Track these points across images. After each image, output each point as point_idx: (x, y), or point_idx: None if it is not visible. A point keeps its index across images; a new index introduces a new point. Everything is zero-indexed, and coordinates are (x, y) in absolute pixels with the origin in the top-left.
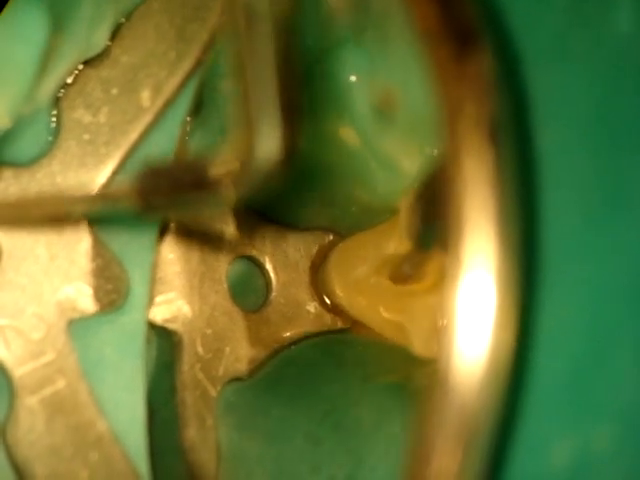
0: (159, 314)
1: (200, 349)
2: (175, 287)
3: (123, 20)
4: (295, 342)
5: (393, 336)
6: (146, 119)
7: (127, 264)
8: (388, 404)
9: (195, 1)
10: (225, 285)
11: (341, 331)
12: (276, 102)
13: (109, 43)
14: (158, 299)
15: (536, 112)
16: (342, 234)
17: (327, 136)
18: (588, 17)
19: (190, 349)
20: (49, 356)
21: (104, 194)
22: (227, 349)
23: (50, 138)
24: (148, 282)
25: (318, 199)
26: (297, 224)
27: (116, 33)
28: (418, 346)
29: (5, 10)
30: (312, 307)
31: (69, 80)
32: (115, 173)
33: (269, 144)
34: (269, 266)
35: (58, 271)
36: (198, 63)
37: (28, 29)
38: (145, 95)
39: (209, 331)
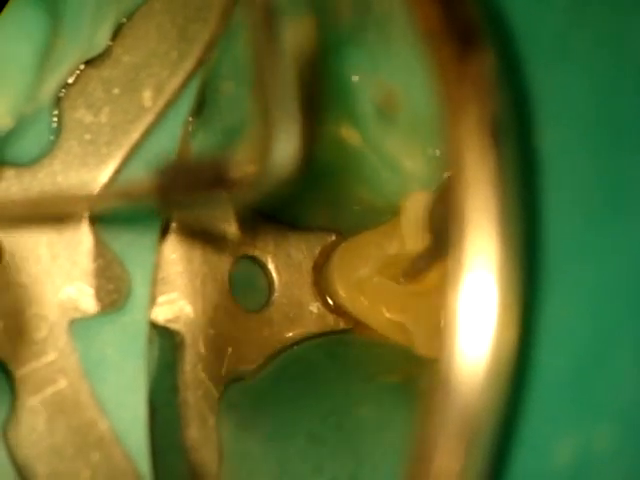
0: (161, 314)
1: (202, 349)
2: (177, 287)
3: (125, 20)
4: (297, 342)
5: (395, 336)
6: (148, 119)
7: (129, 264)
8: (390, 404)
9: (197, 1)
10: (227, 285)
11: (343, 331)
12: (295, 109)
13: (110, 43)
14: (160, 299)
15: (537, 112)
16: (344, 234)
17: (329, 136)
18: (589, 17)
19: (192, 349)
20: (51, 356)
21: (121, 190)
22: (229, 349)
23: (52, 138)
24: (150, 282)
25: (320, 199)
26: (300, 224)
27: (118, 33)
28: (420, 346)
29: (6, 10)
30: (314, 307)
31: (70, 80)
32: (117, 173)
33: (288, 148)
34: (271, 266)
35: (60, 271)
36: (200, 63)
37: (29, 29)
38: (147, 95)
39: (211, 331)
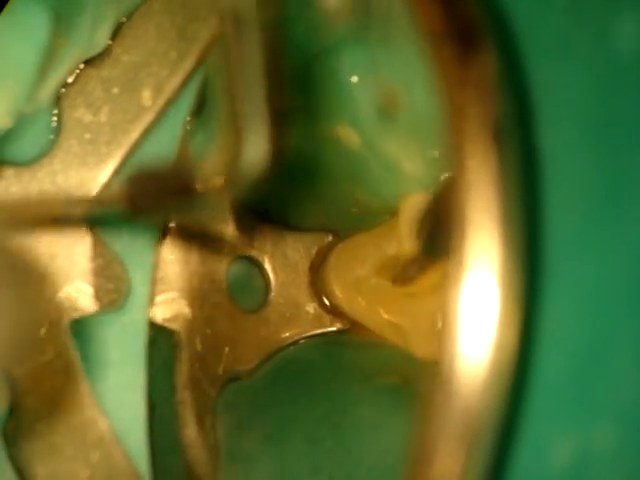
0: (159, 314)
1: (200, 349)
2: (175, 287)
3: (124, 19)
4: (294, 343)
5: (392, 337)
6: (147, 118)
7: (128, 264)
8: (387, 405)
9: (196, 1)
10: (225, 285)
11: (340, 332)
12: (264, 108)
13: (110, 42)
14: (158, 299)
15: (538, 112)
16: (341, 235)
17: (327, 137)
18: (589, 17)
19: (190, 349)
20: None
21: (96, 197)
22: (226, 349)
23: (51, 137)
24: (149, 282)
25: (318, 200)
26: (297, 225)
27: (117, 32)
28: (417, 348)
29: (6, 9)
30: (311, 308)
31: (70, 79)
32: (116, 172)
33: (256, 149)
34: (268, 266)
35: (59, 270)
36: (199, 62)
37: (29, 28)
38: (146, 94)
39: (208, 331)
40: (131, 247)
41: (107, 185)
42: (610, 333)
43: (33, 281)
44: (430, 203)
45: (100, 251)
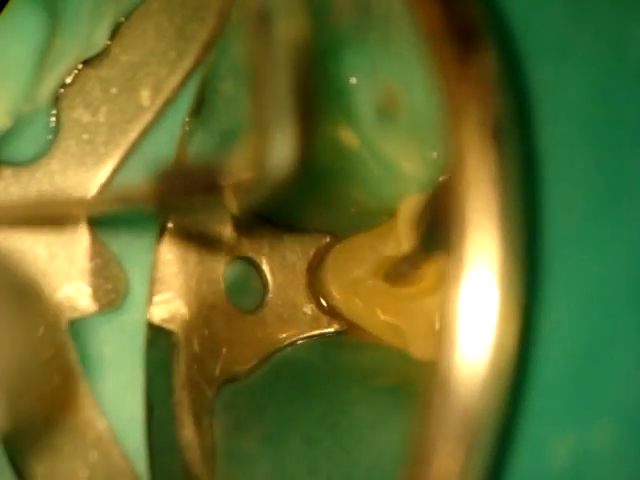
0: (157, 314)
1: (197, 349)
2: (173, 287)
3: (123, 19)
4: (291, 344)
5: (389, 339)
6: (146, 118)
7: (127, 264)
8: (384, 405)
9: (195, 0)
10: (222, 286)
11: (337, 333)
12: (291, 111)
13: (108, 42)
14: (156, 299)
15: (538, 112)
16: (339, 236)
17: (326, 138)
18: (588, 13)
19: (187, 349)
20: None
21: (118, 194)
22: (224, 350)
23: (49, 137)
24: (148, 282)
25: (316, 201)
26: (294, 226)
27: (116, 32)
28: (415, 349)
29: (4, 10)
30: (309, 309)
31: (68, 79)
32: (115, 172)
33: (282, 153)
34: (266, 267)
35: (58, 270)
36: (198, 62)
37: (27, 28)
38: (145, 94)
39: (206, 331)
40: (129, 247)
41: (106, 184)
42: (610, 333)
43: (32, 281)
44: (428, 201)
45: (98, 251)
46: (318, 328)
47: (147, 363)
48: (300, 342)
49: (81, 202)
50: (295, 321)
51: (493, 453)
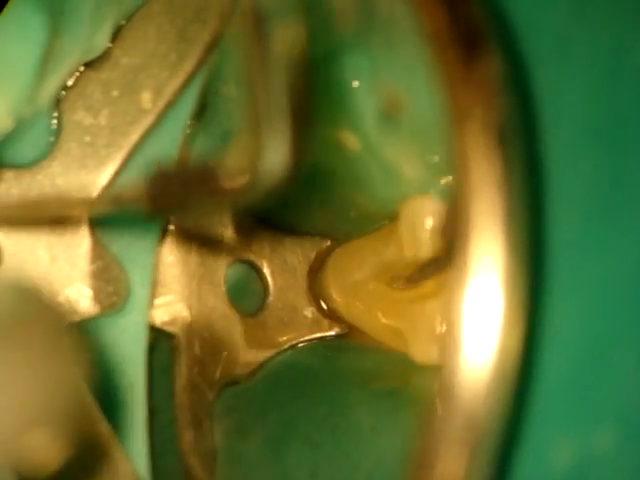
0: (158, 317)
1: (198, 352)
2: (174, 290)
3: (124, 22)
4: (292, 347)
5: (390, 342)
6: (147, 121)
7: (128, 266)
8: (385, 409)
9: (196, 3)
10: (223, 288)
11: (338, 336)
12: (285, 115)
13: (110, 45)
14: (157, 302)
15: (541, 114)
16: (340, 239)
17: (327, 141)
18: (590, 17)
19: (188, 352)
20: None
21: (113, 196)
22: (224, 353)
23: (51, 140)
24: (149, 284)
25: (317, 204)
26: (295, 229)
27: (117, 35)
28: (416, 352)
29: (5, 12)
30: (309, 312)
31: (70, 82)
32: (116, 175)
33: (277, 156)
34: (267, 270)
35: (59, 273)
36: (199, 64)
37: (28, 31)
38: (146, 97)
39: (207, 334)
40: (131, 249)
41: (107, 187)
42: (613, 337)
43: (33, 284)
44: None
45: (99, 253)
46: (319, 331)
47: (148, 366)
48: (301, 345)
49: (82, 204)
50: (296, 324)
51: (496, 457)
